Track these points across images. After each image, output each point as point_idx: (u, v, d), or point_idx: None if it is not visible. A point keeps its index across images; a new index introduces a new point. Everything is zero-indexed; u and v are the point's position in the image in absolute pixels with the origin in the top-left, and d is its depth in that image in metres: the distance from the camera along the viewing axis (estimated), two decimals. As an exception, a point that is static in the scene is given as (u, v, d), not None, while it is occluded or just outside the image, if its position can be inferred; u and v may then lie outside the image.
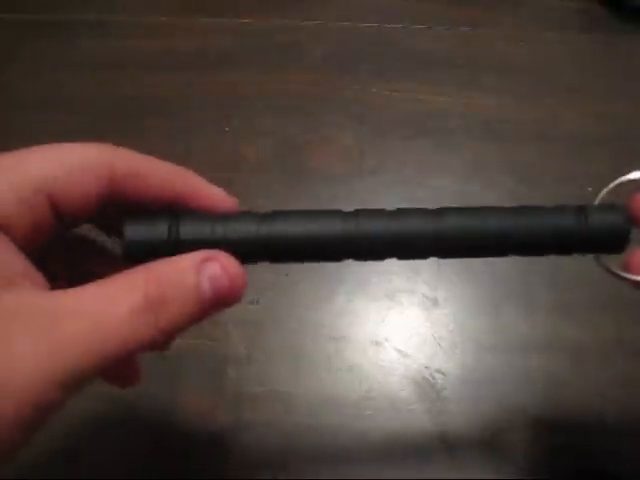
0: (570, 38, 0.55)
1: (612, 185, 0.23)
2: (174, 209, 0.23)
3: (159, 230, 0.22)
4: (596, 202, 0.24)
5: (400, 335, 0.42)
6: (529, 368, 0.41)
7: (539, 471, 0.38)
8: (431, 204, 0.25)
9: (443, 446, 0.38)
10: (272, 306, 0.43)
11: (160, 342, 0.20)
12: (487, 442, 0.39)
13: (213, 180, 0.24)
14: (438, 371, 0.41)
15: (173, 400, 0.39)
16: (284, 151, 0.49)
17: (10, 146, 0.21)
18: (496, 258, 0.24)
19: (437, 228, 0.23)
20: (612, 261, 0.25)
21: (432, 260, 0.44)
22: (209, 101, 0.52)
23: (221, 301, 0.21)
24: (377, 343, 0.42)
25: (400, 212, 0.23)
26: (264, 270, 0.45)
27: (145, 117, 0.51)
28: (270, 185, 0.48)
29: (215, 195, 0.24)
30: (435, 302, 0.43)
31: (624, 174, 0.25)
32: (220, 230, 0.22)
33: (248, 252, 0.22)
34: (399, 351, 0.41)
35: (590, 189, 0.46)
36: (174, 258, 0.21)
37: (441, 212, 0.23)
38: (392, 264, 0.46)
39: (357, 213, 0.23)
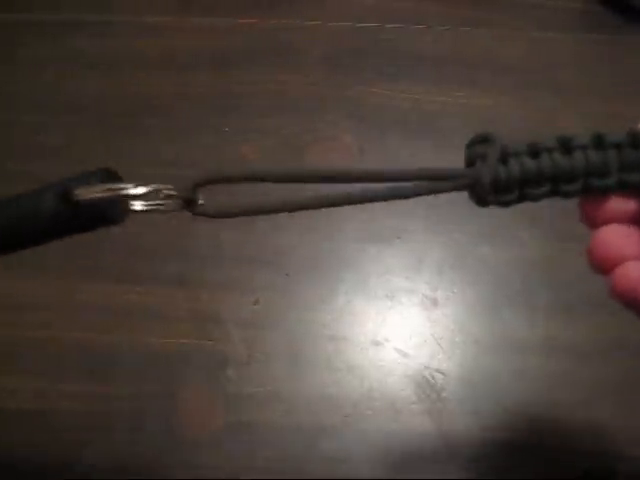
0: (570, 38, 0.55)
1: None
2: None
3: None
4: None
5: (400, 335, 0.42)
6: (529, 368, 0.40)
7: (540, 471, 0.38)
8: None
9: (443, 446, 0.38)
10: (272, 306, 0.43)
11: None
12: (487, 442, 0.39)
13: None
14: (438, 371, 0.40)
15: (173, 400, 0.39)
16: (284, 151, 0.49)
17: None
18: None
19: None
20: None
21: (433, 260, 0.44)
22: (209, 101, 0.52)
23: None
24: (377, 343, 0.42)
25: None
26: (264, 270, 0.45)
27: (145, 117, 0.51)
28: (270, 185, 0.47)
29: None
30: (435, 302, 0.43)
31: None
32: None
33: None
34: (399, 351, 0.41)
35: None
36: None
37: None
38: (392, 263, 0.46)
39: None
